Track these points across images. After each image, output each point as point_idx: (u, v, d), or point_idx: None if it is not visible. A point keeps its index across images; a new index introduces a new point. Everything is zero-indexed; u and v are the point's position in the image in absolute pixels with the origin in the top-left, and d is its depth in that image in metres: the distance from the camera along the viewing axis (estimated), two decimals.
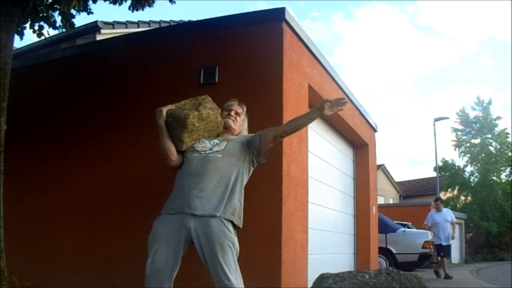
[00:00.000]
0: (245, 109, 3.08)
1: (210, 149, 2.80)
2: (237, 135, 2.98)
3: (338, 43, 61.27)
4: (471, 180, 25.24)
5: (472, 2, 54.59)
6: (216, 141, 2.86)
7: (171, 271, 2.73)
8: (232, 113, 2.98)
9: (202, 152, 2.80)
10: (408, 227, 12.93)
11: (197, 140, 2.87)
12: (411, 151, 58.37)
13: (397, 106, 60.67)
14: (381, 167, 25.23)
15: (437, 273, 9.82)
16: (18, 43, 13.22)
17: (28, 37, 41.53)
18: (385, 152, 57.77)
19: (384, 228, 10.59)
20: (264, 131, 2.84)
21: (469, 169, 25.54)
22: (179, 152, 2.89)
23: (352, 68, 61.23)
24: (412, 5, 57.61)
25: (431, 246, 11.77)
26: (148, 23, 8.24)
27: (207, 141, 2.86)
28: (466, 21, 53.65)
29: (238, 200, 2.79)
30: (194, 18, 9.16)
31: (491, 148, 24.86)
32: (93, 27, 7.34)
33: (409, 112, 59.72)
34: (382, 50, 59.11)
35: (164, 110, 2.90)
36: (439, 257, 9.90)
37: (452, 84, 58.30)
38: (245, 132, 3.07)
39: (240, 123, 3.02)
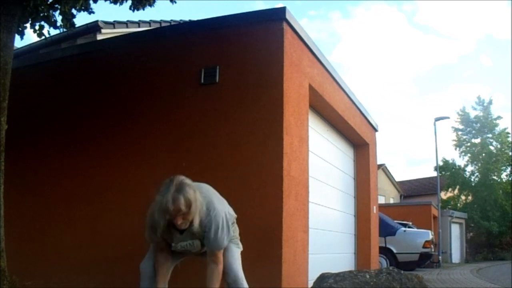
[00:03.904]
0: (189, 202, 2.60)
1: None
2: (197, 225, 2.73)
3: (336, 42, 61.14)
4: (472, 179, 25.26)
5: (469, 1, 54.50)
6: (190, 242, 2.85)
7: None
8: (179, 223, 2.64)
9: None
10: (409, 227, 12.94)
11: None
12: (410, 150, 58.32)
13: (396, 105, 60.58)
14: (381, 166, 25.23)
15: None
16: (18, 42, 13.21)
17: (28, 37, 41.53)
18: (384, 151, 57.75)
19: (385, 228, 10.57)
20: (211, 250, 2.79)
21: (469, 168, 25.61)
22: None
23: (351, 67, 61.09)
24: (410, 4, 57.50)
25: (432, 246, 11.79)
26: (149, 22, 8.24)
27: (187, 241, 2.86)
28: (464, 19, 53.54)
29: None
30: (195, 17, 9.16)
31: (492, 148, 24.89)
32: (94, 27, 7.35)
33: (408, 111, 59.64)
34: (380, 49, 58.98)
35: None
36: None
37: (451, 84, 58.24)
38: (199, 206, 2.71)
39: (191, 215, 2.64)
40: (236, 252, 2.98)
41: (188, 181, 2.66)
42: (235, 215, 3.09)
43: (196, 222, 2.65)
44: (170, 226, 2.67)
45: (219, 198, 2.92)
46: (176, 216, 2.58)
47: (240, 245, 3.07)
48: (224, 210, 2.85)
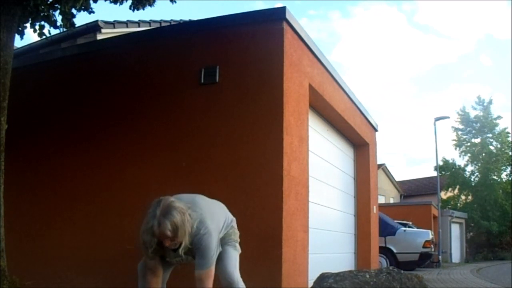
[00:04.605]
0: (175, 227, 2.55)
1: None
2: (188, 243, 2.69)
3: (336, 42, 60.95)
4: (472, 179, 25.26)
5: (469, 0, 54.41)
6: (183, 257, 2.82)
7: (164, 273, 2.89)
8: (167, 245, 2.63)
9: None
10: (409, 227, 12.94)
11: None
12: (410, 150, 58.25)
13: (396, 105, 60.43)
14: (381, 166, 25.23)
15: None
16: (18, 42, 13.20)
17: (28, 37, 41.51)
18: (384, 151, 57.68)
19: (385, 227, 10.57)
20: (198, 270, 2.70)
21: (469, 168, 25.61)
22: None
23: (350, 67, 60.98)
24: (410, 3, 57.36)
25: (432, 246, 11.79)
26: (149, 22, 8.24)
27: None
28: (464, 19, 53.42)
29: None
30: (195, 17, 9.17)
31: (492, 148, 24.89)
32: (94, 27, 7.35)
33: (408, 111, 59.53)
34: (380, 49, 58.79)
35: None
36: None
37: (451, 84, 58.17)
38: (188, 228, 2.64)
39: (179, 238, 2.59)
40: (232, 254, 2.97)
41: (176, 203, 2.59)
42: (234, 218, 3.09)
43: (186, 243, 2.62)
44: (163, 245, 2.64)
45: (213, 212, 2.85)
46: (163, 239, 2.56)
47: (238, 248, 3.05)
48: (217, 227, 2.80)
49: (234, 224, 3.09)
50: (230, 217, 3.07)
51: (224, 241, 2.94)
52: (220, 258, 2.87)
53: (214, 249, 2.72)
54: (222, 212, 3.00)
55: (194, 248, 2.70)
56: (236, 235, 3.07)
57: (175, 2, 4.78)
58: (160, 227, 2.50)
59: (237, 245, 3.05)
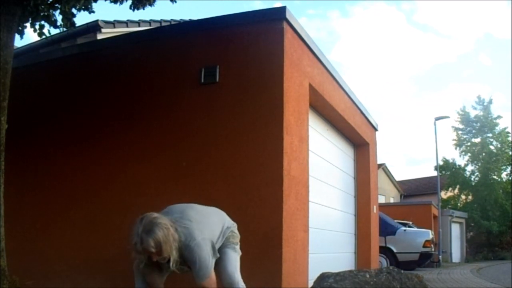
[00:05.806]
0: (158, 243, 2.57)
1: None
2: (177, 257, 2.71)
3: (335, 41, 60.90)
4: (472, 179, 25.28)
5: (468, 0, 54.39)
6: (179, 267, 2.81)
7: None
8: (154, 260, 2.67)
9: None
10: (409, 226, 12.95)
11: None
12: (410, 150, 58.29)
13: (396, 105, 60.44)
14: (381, 166, 25.23)
15: None
16: (18, 42, 13.19)
17: (28, 37, 41.52)
18: (384, 151, 57.64)
19: (385, 227, 10.57)
20: (198, 282, 2.73)
21: (469, 168, 25.66)
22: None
23: (350, 66, 60.95)
24: (409, 3, 57.32)
25: (432, 245, 11.80)
26: (149, 22, 8.23)
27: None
28: (463, 18, 53.45)
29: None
30: (195, 17, 9.17)
31: (492, 147, 24.91)
32: (94, 26, 7.34)
33: (408, 111, 59.56)
34: (380, 48, 58.78)
35: None
36: None
37: (450, 83, 58.19)
38: (173, 243, 2.66)
39: (164, 253, 2.62)
40: (232, 255, 2.98)
41: (159, 219, 2.60)
42: (234, 224, 3.10)
43: (174, 257, 2.62)
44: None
45: (203, 223, 2.82)
46: (150, 255, 2.59)
47: (238, 250, 3.07)
48: (209, 236, 2.78)
49: (234, 229, 3.08)
50: (228, 223, 3.05)
51: (223, 245, 2.95)
52: (220, 260, 2.89)
53: (208, 259, 2.71)
54: (217, 220, 2.98)
55: (187, 261, 2.71)
56: (235, 238, 3.07)
57: (175, 2, 4.77)
58: (143, 245, 2.54)
59: (237, 247, 3.06)
